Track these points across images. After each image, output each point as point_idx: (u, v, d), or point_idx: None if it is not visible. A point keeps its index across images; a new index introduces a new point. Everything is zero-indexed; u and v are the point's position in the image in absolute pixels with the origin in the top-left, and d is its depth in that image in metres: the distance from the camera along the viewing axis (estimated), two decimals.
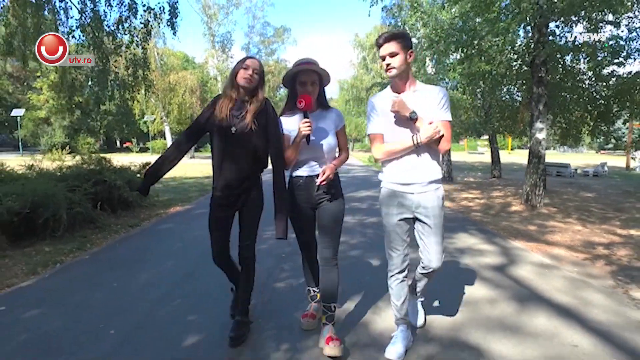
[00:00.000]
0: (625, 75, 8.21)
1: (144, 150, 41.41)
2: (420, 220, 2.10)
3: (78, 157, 7.15)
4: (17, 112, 29.42)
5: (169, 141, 29.00)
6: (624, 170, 19.17)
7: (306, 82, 2.12)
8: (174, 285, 3.21)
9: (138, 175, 7.31)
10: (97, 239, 4.85)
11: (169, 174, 9.25)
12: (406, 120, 1.97)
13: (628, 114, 8.84)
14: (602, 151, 41.93)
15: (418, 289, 2.38)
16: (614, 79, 8.33)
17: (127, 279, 3.38)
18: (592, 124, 9.38)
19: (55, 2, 5.92)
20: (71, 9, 6.01)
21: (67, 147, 26.72)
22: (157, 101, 26.01)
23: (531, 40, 7.12)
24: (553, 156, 29.74)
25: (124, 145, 45.59)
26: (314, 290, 2.46)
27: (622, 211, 7.30)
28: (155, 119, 29.53)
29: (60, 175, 6.04)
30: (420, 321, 2.45)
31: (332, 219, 2.20)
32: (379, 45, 2.03)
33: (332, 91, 46.70)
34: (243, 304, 2.31)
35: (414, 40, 10.83)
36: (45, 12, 6.16)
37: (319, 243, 2.26)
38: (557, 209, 7.40)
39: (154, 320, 2.57)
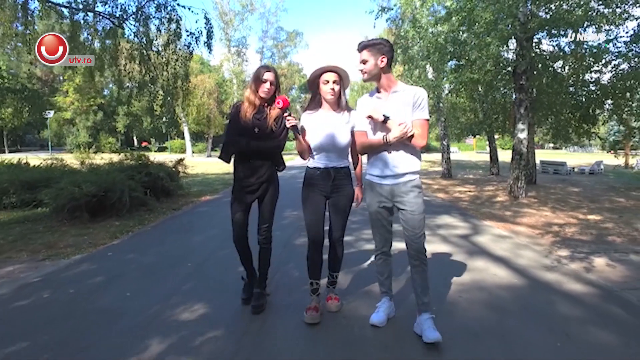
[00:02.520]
0: (606, 82, 9.17)
1: (162, 149, 43.21)
2: (399, 209, 2.31)
3: (122, 155, 8.51)
4: (47, 114, 31.23)
5: (187, 140, 30.58)
6: (623, 168, 19.84)
7: (329, 80, 2.37)
8: (222, 242, 4.43)
9: (173, 169, 8.63)
10: (151, 218, 6.12)
11: (193, 171, 10.41)
12: (380, 122, 2.21)
13: (607, 116, 9.77)
14: (613, 151, 41.93)
15: (420, 297, 2.33)
16: (593, 86, 9.31)
17: (186, 239, 4.64)
18: (576, 124, 10.32)
19: (117, 30, 7.31)
20: (129, 35, 7.40)
21: (94, 147, 28.55)
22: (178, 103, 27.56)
23: (513, 53, 8.17)
24: (562, 156, 30.29)
25: (142, 145, 47.53)
26: (316, 283, 2.54)
27: (595, 202, 8.26)
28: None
29: (117, 167, 7.37)
30: (434, 335, 2.16)
31: (343, 206, 2.49)
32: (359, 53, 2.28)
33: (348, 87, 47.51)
34: (262, 278, 2.71)
35: (415, 48, 11.89)
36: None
37: (331, 225, 2.54)
38: (538, 200, 8.41)
39: (213, 259, 3.82)
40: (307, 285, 2.59)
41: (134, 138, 50.01)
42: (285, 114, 2.38)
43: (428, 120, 2.25)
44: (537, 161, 17.46)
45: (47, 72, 35.63)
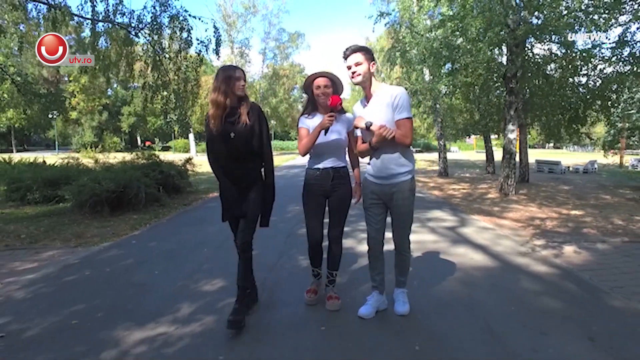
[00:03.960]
0: (593, 84, 9.63)
1: (166, 148, 43.81)
2: (389, 207, 2.47)
3: (133, 154, 9.04)
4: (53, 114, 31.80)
5: (191, 140, 31.16)
6: (617, 167, 20.23)
7: (320, 85, 2.51)
8: None
9: (182, 168, 9.14)
10: (164, 212, 6.64)
11: (199, 170, 11.07)
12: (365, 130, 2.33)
13: (595, 117, 10.24)
14: (612, 150, 42.25)
15: (397, 275, 2.66)
16: (582, 88, 9.77)
17: (200, 230, 5.14)
18: (566, 125, 10.78)
19: (134, 39, 7.87)
20: (145, 44, 7.98)
21: (100, 146, 29.14)
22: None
23: (504, 57, 8.65)
24: (562, 155, 30.65)
25: (146, 144, 48.19)
26: (317, 271, 2.80)
27: (582, 199, 8.70)
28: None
29: (130, 165, 7.89)
30: (403, 309, 2.59)
31: (342, 204, 2.61)
32: (346, 57, 2.34)
33: (344, 92, 48.01)
34: (241, 292, 2.45)
35: (413, 51, 12.38)
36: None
37: (330, 223, 2.64)
38: (527, 197, 8.87)
39: (227, 245, 4.26)
40: (308, 267, 3.00)
41: (138, 138, 50.70)
42: (330, 114, 2.38)
43: (410, 118, 2.29)
44: (533, 160, 17.95)
45: (53, 73, 36.25)
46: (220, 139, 2.34)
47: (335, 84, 2.56)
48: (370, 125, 2.28)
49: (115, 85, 36.97)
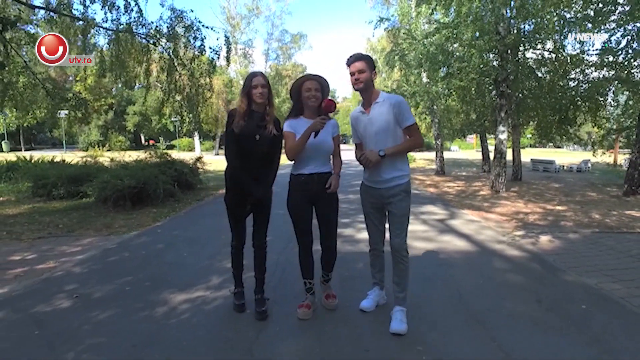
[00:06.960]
0: (581, 89, 10.17)
1: (170, 147, 44.45)
2: (387, 210, 2.53)
3: (147, 153, 9.64)
4: (62, 113, 32.46)
5: (195, 139, 31.82)
6: (612, 166, 20.74)
7: (311, 88, 2.48)
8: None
9: (194, 166, 9.75)
10: (180, 206, 7.24)
11: (207, 168, 11.86)
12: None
13: (584, 118, 10.80)
14: (611, 150, 42.59)
15: (396, 291, 2.55)
16: (572, 91, 10.32)
17: (215, 221, 5.73)
18: (556, 126, 11.33)
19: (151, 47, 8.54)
20: (162, 52, 8.66)
21: (107, 145, 29.68)
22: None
23: (495, 63, 9.22)
24: (563, 154, 31.13)
25: (150, 143, 48.77)
26: (309, 282, 2.66)
27: (568, 196, 9.27)
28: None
29: (145, 164, 8.51)
30: (400, 327, 2.40)
31: (331, 213, 2.59)
32: (349, 64, 2.43)
33: (345, 92, 48.53)
34: (260, 283, 2.75)
35: (410, 55, 12.94)
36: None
37: (322, 234, 2.62)
38: (517, 194, 9.45)
39: None
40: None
41: (142, 137, 51.36)
42: (322, 117, 2.39)
43: (415, 122, 2.46)
44: (528, 159, 18.49)
45: (60, 73, 36.85)
46: (246, 139, 2.46)
47: (323, 87, 2.53)
48: (384, 155, 2.39)
49: (120, 86, 37.61)
